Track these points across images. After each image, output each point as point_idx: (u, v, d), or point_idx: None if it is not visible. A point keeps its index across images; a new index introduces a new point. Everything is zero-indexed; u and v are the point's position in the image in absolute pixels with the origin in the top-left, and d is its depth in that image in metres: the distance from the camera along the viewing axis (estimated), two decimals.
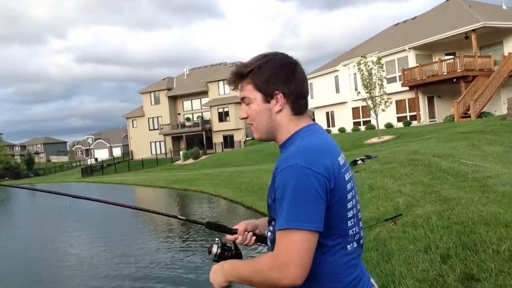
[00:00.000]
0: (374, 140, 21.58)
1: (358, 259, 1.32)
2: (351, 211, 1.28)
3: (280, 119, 1.35)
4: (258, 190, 14.03)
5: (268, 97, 1.33)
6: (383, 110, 20.86)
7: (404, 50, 27.88)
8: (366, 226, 6.14)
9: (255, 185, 15.04)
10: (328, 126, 36.35)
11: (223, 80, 47.33)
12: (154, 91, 52.22)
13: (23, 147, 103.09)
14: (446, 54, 27.02)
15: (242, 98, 1.37)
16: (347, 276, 1.26)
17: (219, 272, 1.32)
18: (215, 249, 1.45)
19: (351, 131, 31.79)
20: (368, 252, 5.11)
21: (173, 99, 51.99)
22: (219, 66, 52.85)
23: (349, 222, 1.27)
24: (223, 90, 47.51)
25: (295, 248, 1.15)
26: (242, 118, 1.41)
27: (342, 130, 33.28)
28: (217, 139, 47.07)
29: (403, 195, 6.79)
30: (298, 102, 1.35)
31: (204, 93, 49.17)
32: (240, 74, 1.36)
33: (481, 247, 4.04)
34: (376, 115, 21.17)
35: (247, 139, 44.49)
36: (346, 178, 1.27)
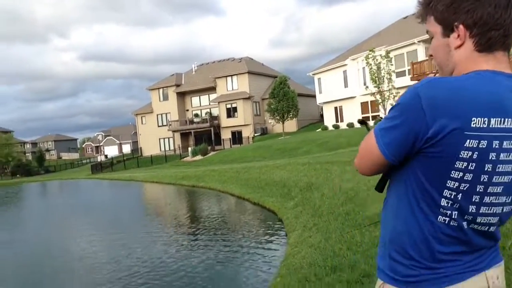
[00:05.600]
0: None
1: (456, 241, 1.11)
2: (455, 182, 1.06)
3: (458, 57, 1.13)
4: (265, 186, 13.97)
5: (447, 30, 1.13)
6: (392, 105, 20.68)
7: (414, 43, 27.53)
8: (372, 223, 6.06)
9: (262, 181, 14.99)
10: (337, 121, 36.16)
11: (231, 75, 47.30)
12: (163, 88, 52.30)
13: (34, 144, 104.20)
14: None
15: (427, 32, 1.21)
16: (439, 244, 1.11)
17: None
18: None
19: (359, 126, 31.53)
20: (373, 249, 5.04)
21: (182, 95, 52.05)
22: (227, 62, 52.71)
23: (445, 191, 1.07)
24: (231, 86, 47.42)
25: (365, 151, 1.16)
26: (429, 56, 1.24)
27: (350, 125, 33.05)
28: (226, 135, 47.08)
29: None
30: (487, 35, 1.08)
31: (212, 89, 49.13)
32: (424, 4, 1.18)
33: None
34: (385, 110, 21.00)
35: (256, 135, 44.44)
36: (470, 144, 1.02)
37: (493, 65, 1.09)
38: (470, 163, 1.04)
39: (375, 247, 5.10)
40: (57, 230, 12.42)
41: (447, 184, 1.06)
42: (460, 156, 1.03)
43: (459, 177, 1.05)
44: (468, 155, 1.03)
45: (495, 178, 1.07)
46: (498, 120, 1.02)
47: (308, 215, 8.68)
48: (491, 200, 1.09)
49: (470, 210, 1.08)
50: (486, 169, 1.05)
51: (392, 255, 1.17)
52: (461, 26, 1.09)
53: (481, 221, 1.11)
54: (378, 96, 20.82)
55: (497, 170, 1.06)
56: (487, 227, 1.12)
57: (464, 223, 1.10)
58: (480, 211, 1.09)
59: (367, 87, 22.20)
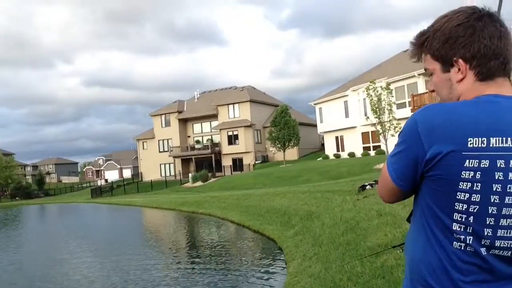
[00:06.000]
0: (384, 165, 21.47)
1: (477, 269, 1.06)
2: (463, 204, 1.04)
3: (461, 89, 1.14)
4: (265, 214, 13.92)
5: (446, 65, 1.15)
6: (393, 135, 20.81)
7: (414, 76, 27.98)
8: (373, 253, 6.04)
9: (262, 209, 14.93)
10: (338, 150, 36.26)
11: (233, 103, 47.78)
12: (165, 114, 52.79)
13: (35, 167, 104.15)
14: None
15: (426, 70, 1.23)
16: (457, 273, 1.06)
17: None
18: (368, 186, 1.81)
19: (360, 156, 31.64)
20: (374, 280, 5.01)
21: (184, 122, 52.46)
22: (229, 90, 53.42)
23: (455, 214, 1.05)
24: (233, 113, 47.84)
25: (381, 178, 1.21)
26: (431, 91, 1.27)
27: (351, 154, 33.14)
28: (226, 162, 47.12)
29: None
30: (487, 65, 1.10)
31: (214, 116, 49.56)
32: (417, 44, 1.21)
33: None
34: (386, 140, 21.11)
35: (256, 162, 44.46)
36: (470, 164, 1.01)
37: (495, 90, 1.10)
38: (475, 184, 1.02)
39: (375, 278, 5.08)
40: (53, 253, 12.30)
41: (455, 207, 1.05)
42: (462, 176, 1.03)
43: (466, 198, 1.04)
44: (470, 175, 1.02)
45: (509, 199, 1.03)
46: (498, 140, 1.02)
47: (308, 244, 8.63)
48: (508, 223, 1.04)
49: (486, 234, 1.04)
50: (494, 189, 1.02)
51: (414, 285, 1.15)
52: (460, 61, 1.11)
53: (501, 245, 1.05)
54: (379, 127, 21.00)
55: (508, 190, 1.02)
56: (510, 252, 1.06)
57: (483, 249, 1.05)
58: (498, 235, 1.04)
59: (367, 117, 22.42)
